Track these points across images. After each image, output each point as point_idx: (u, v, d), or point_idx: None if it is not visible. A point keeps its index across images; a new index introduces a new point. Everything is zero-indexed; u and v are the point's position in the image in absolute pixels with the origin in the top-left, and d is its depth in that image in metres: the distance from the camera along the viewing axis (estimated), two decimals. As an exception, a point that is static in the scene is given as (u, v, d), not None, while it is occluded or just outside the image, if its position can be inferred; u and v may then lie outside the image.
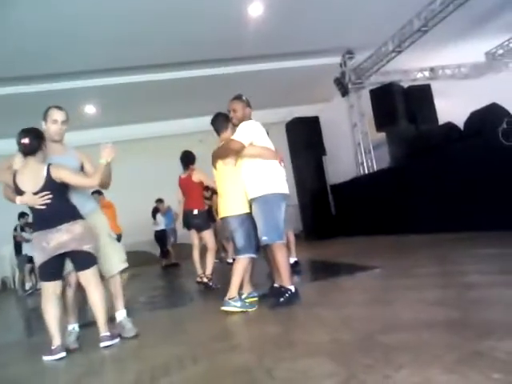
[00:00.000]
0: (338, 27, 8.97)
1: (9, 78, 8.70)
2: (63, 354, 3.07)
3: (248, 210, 3.65)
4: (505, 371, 1.57)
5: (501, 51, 11.84)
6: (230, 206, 3.69)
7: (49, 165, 3.13)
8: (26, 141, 3.10)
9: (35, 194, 3.06)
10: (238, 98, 3.75)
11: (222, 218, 3.83)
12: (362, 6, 8.18)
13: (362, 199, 9.23)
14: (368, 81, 10.81)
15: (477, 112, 6.68)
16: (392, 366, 1.79)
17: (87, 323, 3.30)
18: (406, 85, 10.52)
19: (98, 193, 6.67)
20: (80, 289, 3.31)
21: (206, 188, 6.95)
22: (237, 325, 3.32)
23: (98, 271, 3.23)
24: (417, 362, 1.80)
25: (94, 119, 11.74)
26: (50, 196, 3.07)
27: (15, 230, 9.80)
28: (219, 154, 3.74)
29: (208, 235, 5.60)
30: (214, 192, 8.10)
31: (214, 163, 3.84)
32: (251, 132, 3.58)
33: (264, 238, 3.50)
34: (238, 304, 3.52)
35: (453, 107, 9.18)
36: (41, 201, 3.06)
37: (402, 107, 9.77)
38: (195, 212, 5.56)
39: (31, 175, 3.11)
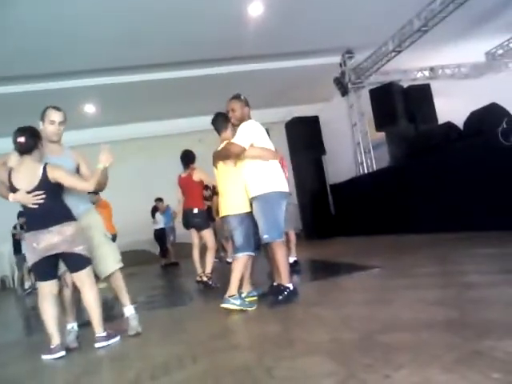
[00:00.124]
0: (338, 27, 8.97)
1: (8, 77, 8.70)
2: (62, 353, 3.06)
3: (248, 210, 3.68)
4: (504, 371, 1.57)
5: (501, 51, 11.84)
6: (231, 205, 3.72)
7: (45, 164, 3.12)
8: (21, 139, 3.09)
9: (29, 192, 3.05)
10: (236, 97, 3.75)
11: (222, 217, 3.85)
12: (361, 6, 8.17)
13: (361, 199, 9.23)
14: (368, 80, 10.82)
15: (476, 112, 6.69)
16: (391, 366, 1.79)
17: (86, 322, 3.29)
18: (405, 84, 10.53)
19: (93, 192, 6.64)
20: (77, 289, 3.31)
21: (206, 187, 6.95)
22: (236, 324, 3.32)
23: (92, 272, 3.21)
24: (416, 362, 1.80)
25: (94, 118, 11.74)
26: (44, 196, 3.05)
27: (14, 228, 9.79)
28: (220, 156, 3.77)
29: (208, 234, 5.61)
30: (214, 192, 8.14)
31: (214, 163, 3.88)
32: (251, 134, 3.59)
33: (265, 237, 3.52)
34: (238, 302, 3.53)
35: (452, 107, 9.18)
36: (33, 200, 3.04)
37: (401, 107, 9.78)
38: (195, 211, 5.57)
39: (26, 173, 3.10)
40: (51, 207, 3.09)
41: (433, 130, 8.15)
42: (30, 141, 3.11)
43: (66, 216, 3.12)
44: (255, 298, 3.86)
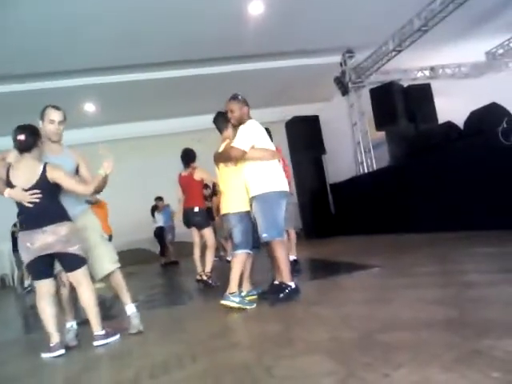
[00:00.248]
0: (338, 26, 8.97)
1: (9, 76, 8.70)
2: (62, 351, 3.07)
3: (248, 209, 3.72)
4: (503, 370, 1.57)
5: (501, 51, 11.83)
6: (231, 203, 3.76)
7: (45, 164, 3.12)
8: (21, 137, 3.09)
9: (26, 190, 3.04)
10: (234, 98, 3.73)
11: (223, 215, 3.90)
12: (362, 6, 8.17)
13: (361, 198, 9.23)
14: (368, 80, 10.81)
15: (477, 111, 6.68)
16: (391, 365, 1.79)
17: (86, 320, 3.29)
18: (405, 84, 10.52)
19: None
20: (74, 288, 3.30)
21: (205, 186, 6.95)
22: (236, 323, 3.32)
23: (88, 271, 3.20)
24: (416, 361, 1.80)
25: (94, 117, 11.74)
26: (40, 196, 3.05)
27: (14, 226, 9.76)
28: (221, 159, 3.80)
29: (208, 233, 5.62)
30: (214, 191, 8.15)
31: (216, 163, 3.91)
32: (251, 136, 3.60)
33: (264, 235, 3.56)
34: (237, 299, 3.55)
35: (453, 106, 9.18)
36: (29, 198, 3.03)
37: (401, 106, 9.77)
38: (196, 210, 5.57)
39: (25, 171, 3.09)
40: (47, 207, 3.08)
41: (433, 130, 8.15)
42: (29, 139, 3.11)
43: (61, 216, 3.12)
44: (255, 296, 3.87)
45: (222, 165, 3.83)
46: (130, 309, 3.43)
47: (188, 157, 5.74)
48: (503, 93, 7.48)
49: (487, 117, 6.29)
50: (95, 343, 3.10)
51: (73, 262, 3.12)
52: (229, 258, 7.33)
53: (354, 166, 11.00)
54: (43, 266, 3.10)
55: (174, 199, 6.55)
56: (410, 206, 7.44)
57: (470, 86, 11.15)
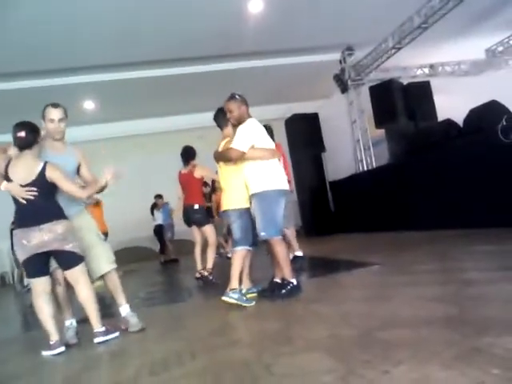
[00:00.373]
0: (338, 24, 8.95)
1: (8, 74, 8.68)
2: (62, 349, 3.07)
3: (248, 205, 3.74)
4: (503, 367, 1.58)
5: (501, 48, 11.82)
6: (231, 200, 3.80)
7: (46, 162, 3.12)
8: (22, 134, 3.08)
9: (23, 186, 3.04)
10: (232, 97, 3.72)
11: (223, 211, 3.93)
12: (361, 3, 8.15)
13: (361, 196, 9.23)
14: (367, 77, 10.79)
15: (476, 109, 6.68)
16: (390, 362, 1.79)
17: (85, 319, 3.30)
18: (405, 81, 10.49)
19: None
20: (69, 285, 3.30)
21: (205, 184, 6.96)
22: (236, 320, 3.32)
23: (85, 269, 3.20)
24: (415, 358, 1.80)
25: (93, 115, 11.71)
26: (36, 193, 3.04)
27: (13, 223, 9.76)
28: (221, 159, 3.82)
29: (209, 230, 5.63)
30: (213, 189, 8.16)
31: (216, 162, 3.94)
32: (250, 136, 3.60)
33: (262, 234, 3.58)
34: (236, 296, 3.56)
35: (452, 104, 9.16)
36: (25, 194, 3.03)
37: (401, 104, 9.77)
38: (196, 207, 5.58)
39: (24, 168, 3.09)
40: (44, 205, 3.08)
41: (432, 128, 8.14)
42: (29, 136, 3.11)
43: (58, 214, 3.12)
44: (255, 294, 3.88)
45: (222, 163, 3.86)
46: (125, 310, 3.43)
47: (188, 154, 5.73)
48: (503, 90, 7.48)
49: (487, 114, 6.29)
50: (96, 340, 3.10)
51: (70, 259, 3.12)
52: (229, 255, 7.36)
53: (353, 163, 10.99)
54: (39, 263, 3.10)
55: (174, 197, 6.55)
56: (410, 203, 7.44)
57: (470, 84, 11.13)
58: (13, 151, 3.19)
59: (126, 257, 12.00)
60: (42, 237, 3.01)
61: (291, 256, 5.32)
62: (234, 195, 3.77)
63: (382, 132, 10.38)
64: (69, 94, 9.11)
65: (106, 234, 7.30)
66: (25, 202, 3.04)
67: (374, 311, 2.71)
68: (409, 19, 8.56)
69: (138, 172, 12.26)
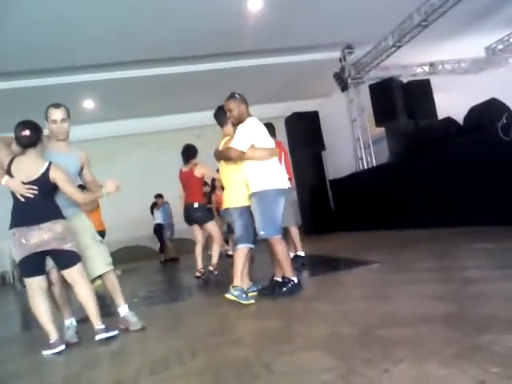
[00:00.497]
0: (338, 22, 8.93)
1: (7, 73, 8.67)
2: (62, 347, 3.07)
3: (248, 204, 3.75)
4: (503, 365, 1.58)
5: (501, 46, 11.79)
6: (232, 198, 3.83)
7: (50, 163, 3.13)
8: (26, 133, 3.08)
9: (24, 184, 3.04)
10: (232, 96, 3.72)
11: (224, 209, 3.96)
12: (361, 1, 8.13)
13: (361, 194, 9.23)
14: (367, 76, 10.78)
15: (476, 107, 6.68)
16: (390, 360, 1.80)
17: (85, 318, 3.30)
18: (405, 80, 10.48)
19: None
20: (65, 285, 3.29)
21: (204, 184, 6.96)
22: (236, 319, 3.32)
23: (83, 268, 3.19)
24: (415, 356, 1.80)
25: (93, 114, 11.70)
26: (36, 192, 3.04)
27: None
28: (221, 158, 3.83)
29: (212, 226, 5.66)
30: (213, 188, 8.16)
31: (217, 160, 3.95)
32: (250, 136, 3.60)
33: (261, 233, 3.60)
34: (235, 293, 3.58)
35: (452, 102, 9.15)
36: (25, 192, 3.03)
37: (401, 102, 9.75)
38: (196, 205, 5.60)
39: (28, 166, 3.09)
40: (42, 204, 3.09)
41: (432, 126, 8.13)
42: (34, 134, 3.12)
43: (57, 214, 3.13)
44: (255, 293, 3.89)
45: (222, 161, 3.87)
46: (124, 310, 3.44)
47: (188, 152, 5.74)
48: (503, 88, 7.47)
49: (487, 112, 6.28)
50: (97, 337, 3.10)
51: (68, 258, 3.12)
52: (229, 253, 7.37)
53: (353, 162, 10.99)
54: (36, 263, 3.10)
55: (174, 196, 6.56)
56: (410, 201, 7.44)
57: (470, 82, 11.11)
58: (15, 148, 3.19)
59: (126, 256, 12.02)
60: (42, 236, 3.01)
61: (292, 255, 5.33)
62: (235, 193, 3.79)
63: (382, 130, 10.37)
64: (68, 93, 9.10)
65: (103, 234, 7.30)
66: (23, 199, 3.04)
67: (374, 309, 2.71)
68: (409, 17, 8.54)
69: (137, 171, 12.27)
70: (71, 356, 3.03)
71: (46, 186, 3.10)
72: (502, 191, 5.41)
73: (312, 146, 10.61)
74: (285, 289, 3.60)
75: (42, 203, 3.08)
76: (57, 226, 3.06)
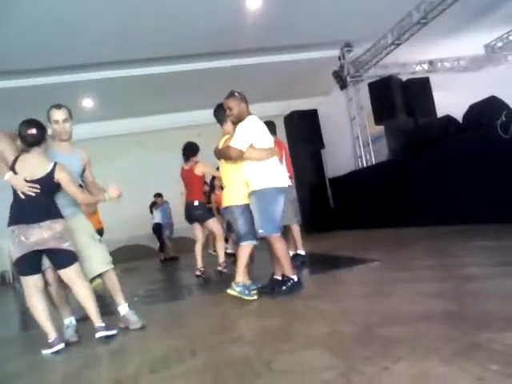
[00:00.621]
0: (337, 20, 8.93)
1: (7, 72, 8.66)
2: (62, 346, 3.07)
3: (248, 202, 3.75)
4: (503, 363, 1.58)
5: (500, 44, 11.78)
6: (233, 196, 3.82)
7: (55, 163, 3.14)
8: (33, 131, 3.09)
9: (27, 182, 3.04)
10: (231, 95, 3.71)
11: (225, 208, 3.94)
12: (360, -1, 8.14)
13: (360, 192, 9.23)
14: (367, 74, 10.78)
15: (475, 105, 6.68)
16: (390, 358, 1.80)
17: (85, 317, 3.29)
18: (404, 78, 10.49)
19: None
20: (62, 285, 3.29)
21: (204, 183, 6.95)
22: (236, 317, 3.32)
23: (79, 267, 3.18)
24: (415, 354, 1.80)
25: (92, 113, 11.69)
26: (38, 191, 3.05)
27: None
28: (221, 156, 3.83)
29: (213, 223, 5.66)
30: (212, 187, 8.15)
31: (217, 158, 3.95)
32: (249, 135, 3.60)
33: (260, 231, 3.60)
34: (238, 289, 3.61)
35: (451, 100, 9.15)
36: (27, 190, 3.03)
37: (400, 100, 9.74)
38: (196, 203, 5.59)
39: (32, 165, 3.10)
40: (43, 203, 3.09)
41: (432, 124, 8.13)
42: (39, 133, 3.13)
43: (56, 213, 3.13)
44: (255, 291, 3.88)
45: (223, 160, 3.87)
46: (124, 309, 3.44)
47: (189, 150, 5.73)
48: (502, 86, 7.47)
49: (486, 110, 6.29)
50: (97, 335, 3.09)
51: (65, 258, 3.11)
52: (228, 251, 7.36)
53: (352, 160, 10.99)
54: (34, 261, 3.09)
55: (174, 195, 6.55)
56: (409, 199, 7.44)
57: (469, 80, 11.11)
58: (19, 144, 3.19)
59: (126, 255, 12.03)
60: (42, 234, 3.01)
61: (292, 253, 5.33)
62: (236, 191, 3.79)
63: (381, 128, 10.37)
64: (67, 92, 9.10)
65: (101, 232, 7.29)
66: (23, 197, 3.04)
67: (374, 307, 2.71)
68: (408, 15, 8.54)
69: (137, 169, 12.27)
70: (71, 355, 3.03)
71: (49, 186, 3.11)
72: (502, 189, 5.42)
73: (311, 144, 10.61)
74: (284, 287, 3.60)
75: (43, 202, 3.08)
76: (56, 225, 3.06)
